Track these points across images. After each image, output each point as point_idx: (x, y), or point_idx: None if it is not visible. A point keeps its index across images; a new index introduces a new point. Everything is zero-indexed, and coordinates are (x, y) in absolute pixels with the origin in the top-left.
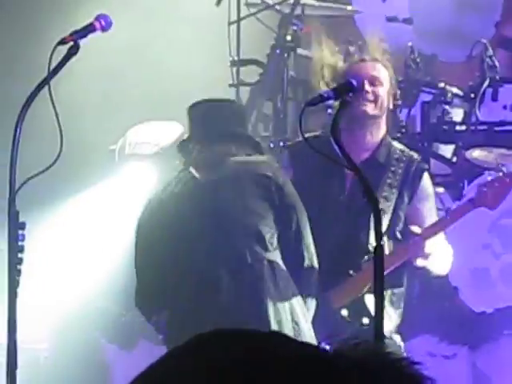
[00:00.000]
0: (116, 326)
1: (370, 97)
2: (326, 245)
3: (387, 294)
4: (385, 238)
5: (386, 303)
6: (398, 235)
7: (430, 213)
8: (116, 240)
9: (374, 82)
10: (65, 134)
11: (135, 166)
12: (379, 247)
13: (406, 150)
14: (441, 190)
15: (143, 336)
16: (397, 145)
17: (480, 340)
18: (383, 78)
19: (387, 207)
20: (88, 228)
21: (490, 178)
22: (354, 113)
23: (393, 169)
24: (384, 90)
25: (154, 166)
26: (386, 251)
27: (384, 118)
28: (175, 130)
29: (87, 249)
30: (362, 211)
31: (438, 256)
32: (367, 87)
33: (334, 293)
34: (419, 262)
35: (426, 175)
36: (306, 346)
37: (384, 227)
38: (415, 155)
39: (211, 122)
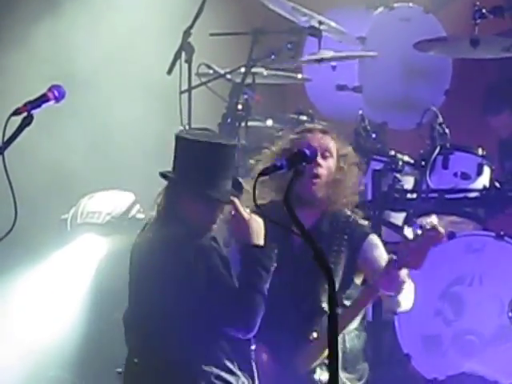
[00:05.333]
0: None
1: (322, 170)
2: (280, 309)
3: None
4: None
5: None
6: (346, 302)
7: (382, 258)
8: (68, 309)
9: (324, 153)
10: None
11: (87, 236)
12: (333, 315)
13: (352, 216)
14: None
15: None
16: (343, 212)
17: None
18: (332, 148)
19: (336, 271)
20: (39, 298)
21: (410, 237)
22: (301, 192)
23: (337, 235)
24: (333, 162)
25: (106, 235)
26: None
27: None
28: (127, 199)
29: (40, 317)
30: (309, 274)
31: (406, 290)
32: (319, 159)
33: (298, 358)
34: (390, 292)
35: (370, 236)
36: None
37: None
38: (361, 220)
39: None
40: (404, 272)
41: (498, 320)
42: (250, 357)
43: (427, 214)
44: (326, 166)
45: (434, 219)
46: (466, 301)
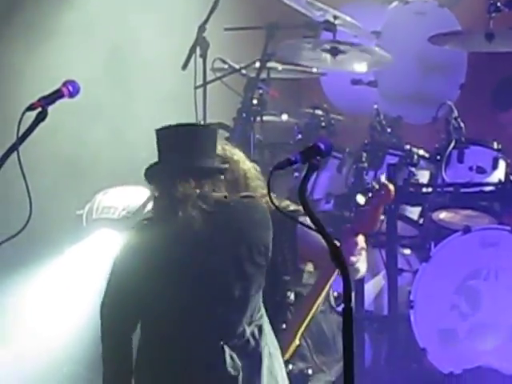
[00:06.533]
0: None
1: None
2: None
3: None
4: None
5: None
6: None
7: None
8: (84, 304)
9: None
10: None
11: (103, 231)
12: (348, 310)
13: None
14: (408, 251)
15: None
16: None
17: None
18: None
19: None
20: (55, 293)
21: (361, 202)
22: None
23: None
24: None
25: (121, 230)
26: None
27: None
28: (142, 194)
29: (55, 313)
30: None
31: (363, 257)
32: None
33: None
34: (352, 258)
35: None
36: None
37: None
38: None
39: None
40: (361, 238)
41: None
42: None
43: (443, 208)
44: None
45: (382, 178)
46: (482, 295)
